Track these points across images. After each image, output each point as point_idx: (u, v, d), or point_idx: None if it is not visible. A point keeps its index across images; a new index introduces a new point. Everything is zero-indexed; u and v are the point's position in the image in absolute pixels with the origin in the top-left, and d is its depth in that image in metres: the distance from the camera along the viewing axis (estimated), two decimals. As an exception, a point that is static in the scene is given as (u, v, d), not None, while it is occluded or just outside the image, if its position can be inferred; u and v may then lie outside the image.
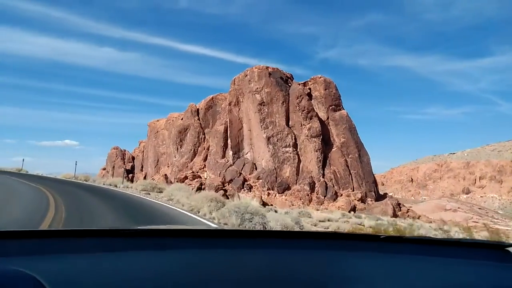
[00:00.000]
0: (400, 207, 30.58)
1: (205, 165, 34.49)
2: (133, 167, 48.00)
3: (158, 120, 44.81)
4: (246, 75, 32.07)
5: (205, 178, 31.58)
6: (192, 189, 28.72)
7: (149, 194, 17.65)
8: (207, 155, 35.01)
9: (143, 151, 45.69)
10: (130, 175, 45.41)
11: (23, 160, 36.56)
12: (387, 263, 1.19)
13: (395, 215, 27.51)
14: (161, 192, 18.30)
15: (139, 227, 1.39)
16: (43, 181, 18.62)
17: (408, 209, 31.17)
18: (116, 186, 21.09)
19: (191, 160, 35.99)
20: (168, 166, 38.54)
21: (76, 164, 32.34)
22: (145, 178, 41.36)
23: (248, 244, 1.33)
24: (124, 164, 47.93)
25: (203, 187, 28.00)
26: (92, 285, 0.82)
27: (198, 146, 36.51)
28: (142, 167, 44.57)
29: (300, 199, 28.35)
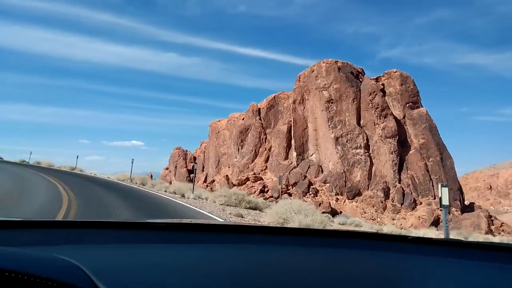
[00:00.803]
0: (493, 220, 25.97)
1: (266, 167, 32.56)
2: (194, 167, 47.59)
3: (219, 121, 43.93)
4: (313, 71, 29.56)
5: (268, 180, 29.61)
6: (255, 191, 26.91)
7: (243, 217, 10.11)
8: (268, 156, 33.07)
9: (204, 151, 45.13)
10: (192, 175, 45.05)
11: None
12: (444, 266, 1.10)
13: (489, 231, 23.20)
14: (258, 210, 12.97)
15: (168, 221, 1.42)
16: (84, 184, 14.77)
17: (502, 223, 26.38)
18: (183, 195, 14.97)
19: (252, 161, 34.29)
20: (228, 167, 37.28)
21: (132, 163, 27.06)
22: (206, 178, 40.61)
23: (270, 240, 1.33)
24: (186, 164, 47.81)
25: (266, 189, 26.03)
26: (131, 272, 0.84)
27: (259, 147, 34.73)
28: (203, 167, 43.98)
29: (373, 207, 25.15)
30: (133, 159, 23.99)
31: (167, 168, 51.49)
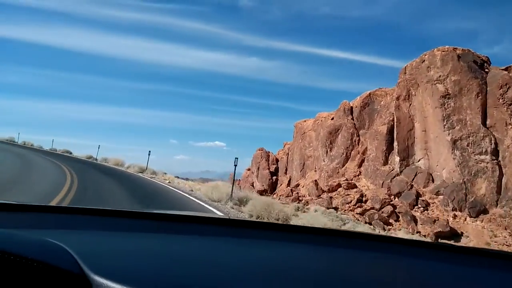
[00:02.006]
0: None
1: (360, 172, 28.28)
2: (276, 170, 44.95)
3: (305, 121, 40.57)
4: (423, 61, 24.61)
5: (363, 188, 25.40)
6: (351, 201, 23.08)
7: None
8: (362, 160, 28.75)
9: (288, 153, 42.19)
10: (274, 178, 42.32)
11: (149, 153, 25.98)
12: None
13: None
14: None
15: (162, 212, 1.46)
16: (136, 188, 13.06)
17: None
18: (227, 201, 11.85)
19: (343, 166, 30.25)
20: (315, 171, 33.72)
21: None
22: (289, 182, 37.61)
23: (271, 236, 1.32)
24: (269, 166, 45.30)
25: (364, 199, 22.00)
26: (118, 258, 0.85)
27: (351, 150, 30.55)
28: (286, 170, 41.06)
29: (506, 229, 19.50)
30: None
31: (249, 169, 49.77)
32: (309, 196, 26.75)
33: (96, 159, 30.47)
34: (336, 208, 19.84)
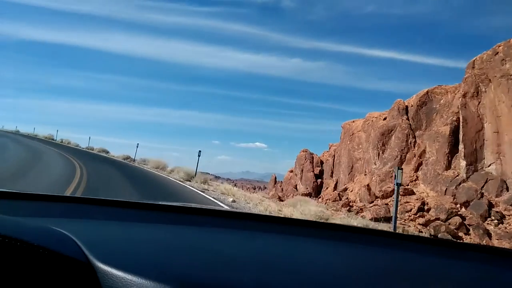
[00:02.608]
0: None
1: (417, 177, 25.59)
2: (321, 172, 42.76)
3: (353, 121, 38.11)
4: (497, 53, 21.59)
5: (422, 195, 22.79)
6: (411, 209, 20.66)
7: None
8: (419, 164, 26.03)
9: (334, 155, 39.92)
10: (319, 181, 40.21)
11: (199, 155, 23.68)
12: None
13: None
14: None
15: (166, 203, 1.45)
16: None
17: None
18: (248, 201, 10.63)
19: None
20: (365, 174, 31.30)
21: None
22: (336, 185, 35.41)
23: (271, 229, 1.32)
24: (313, 168, 43.21)
25: (426, 208, 19.54)
26: (123, 247, 0.86)
27: (407, 152, 27.86)
28: (332, 172, 38.84)
29: None
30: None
31: (291, 171, 47.95)
32: (360, 201, 24.52)
33: (134, 160, 26.24)
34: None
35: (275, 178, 55.86)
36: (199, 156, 17.88)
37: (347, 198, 25.38)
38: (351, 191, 30.61)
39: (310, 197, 36.69)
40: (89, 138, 36.34)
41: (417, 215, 18.07)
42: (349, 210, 21.33)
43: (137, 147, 26.91)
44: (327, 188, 37.11)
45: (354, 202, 25.01)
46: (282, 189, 47.83)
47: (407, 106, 29.98)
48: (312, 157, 44.54)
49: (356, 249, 1.14)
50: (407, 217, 17.90)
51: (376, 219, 16.63)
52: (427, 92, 29.26)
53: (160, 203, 1.44)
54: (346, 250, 1.13)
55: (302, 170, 43.26)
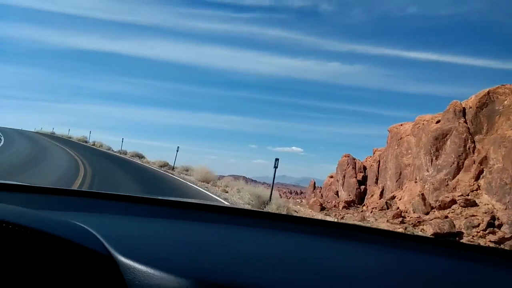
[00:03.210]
0: None
1: (479, 186, 22.81)
2: (364, 178, 40.32)
3: (401, 125, 35.49)
4: None
5: (486, 206, 20.11)
6: (478, 224, 18.15)
7: None
8: (480, 172, 23.24)
9: (379, 160, 37.43)
10: (362, 187, 37.85)
11: (276, 164, 25.68)
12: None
13: None
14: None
15: (183, 200, 1.50)
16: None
17: None
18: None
19: (453, 177, 24.95)
20: (416, 182, 28.72)
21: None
22: (382, 193, 32.97)
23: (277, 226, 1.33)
24: (356, 174, 40.88)
25: (497, 223, 17.02)
26: (142, 242, 0.87)
27: (465, 159, 25.09)
28: (376, 179, 36.38)
29: None
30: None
31: (331, 176, 45.84)
32: (413, 212, 22.18)
33: (173, 168, 20.71)
34: (459, 233, 15.39)
35: (314, 183, 53.83)
36: (276, 167, 11.85)
37: (397, 207, 23.12)
38: (400, 200, 28.15)
39: (353, 204, 34.47)
40: (122, 140, 30.21)
41: (487, 231, 15.70)
42: (402, 222, 19.17)
43: (177, 151, 21.05)
44: (372, 195, 34.72)
45: (406, 212, 22.69)
46: (321, 195, 45.84)
47: (464, 108, 27.16)
48: (355, 163, 42.22)
49: (370, 249, 1.13)
50: (475, 233, 15.58)
51: (438, 234, 14.52)
52: (488, 92, 26.29)
53: (177, 199, 1.46)
54: (363, 250, 1.11)
55: (344, 176, 41.06)
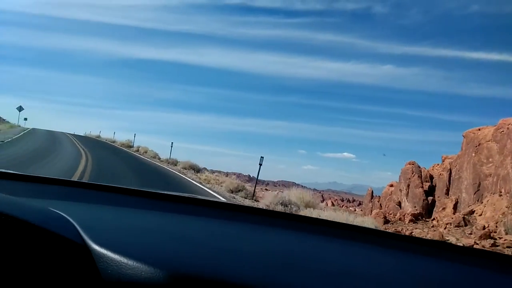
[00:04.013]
0: None
1: None
2: (431, 188, 36.11)
3: (479, 129, 31.10)
4: None
5: None
6: None
7: None
8: None
9: (450, 169, 33.24)
10: (430, 198, 33.84)
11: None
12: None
13: None
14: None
15: (167, 192, 1.45)
16: None
17: None
18: None
19: (552, 192, 20.81)
20: (500, 195, 24.62)
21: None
22: (456, 206, 28.96)
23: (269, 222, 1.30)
24: (422, 183, 36.81)
25: None
26: (119, 232, 0.87)
27: None
28: (447, 190, 32.26)
29: None
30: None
31: (391, 185, 41.93)
32: (506, 233, 18.52)
33: (253, 196, 12.74)
34: None
35: (372, 192, 49.93)
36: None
37: (483, 226, 19.55)
38: (481, 215, 24.19)
39: (421, 218, 30.65)
40: (172, 145, 23.07)
41: None
42: (494, 245, 15.82)
43: (260, 164, 13.14)
44: (443, 208, 30.73)
45: (495, 232, 19.05)
46: (380, 205, 42.11)
47: None
48: (420, 171, 38.15)
49: (362, 249, 1.12)
50: None
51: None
52: None
53: (163, 192, 1.44)
54: (352, 249, 1.10)
55: (408, 186, 37.18)
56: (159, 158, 24.15)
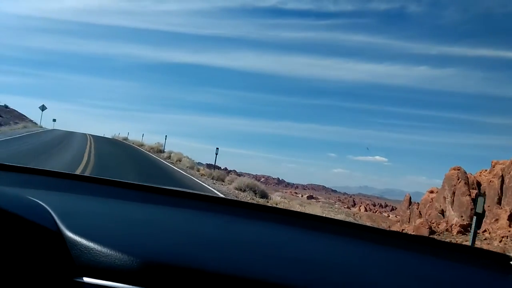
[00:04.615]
0: None
1: None
2: (478, 196, 32.71)
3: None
4: None
5: None
6: None
7: None
8: None
9: (502, 175, 30.19)
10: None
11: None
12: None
13: None
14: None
15: (148, 184, 1.43)
16: None
17: None
18: None
19: None
20: None
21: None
22: (511, 217, 26.05)
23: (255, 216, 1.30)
24: (469, 191, 33.79)
25: None
26: (97, 221, 0.88)
27: None
28: (499, 199, 29.23)
29: None
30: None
31: (432, 191, 38.98)
32: None
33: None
34: None
35: (410, 198, 46.86)
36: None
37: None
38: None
39: (469, 229, 27.93)
40: (217, 151, 17.69)
41: None
42: None
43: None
44: (495, 219, 27.83)
45: None
46: (420, 212, 39.21)
47: None
48: (467, 177, 35.07)
49: (331, 240, 1.14)
50: None
51: None
52: None
53: (143, 184, 1.42)
54: (321, 240, 1.12)
55: (453, 193, 34.24)
56: (198, 170, 17.47)
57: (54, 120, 36.43)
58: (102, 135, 37.52)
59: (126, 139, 35.20)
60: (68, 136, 24.73)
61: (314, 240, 1.09)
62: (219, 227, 1.05)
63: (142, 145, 28.58)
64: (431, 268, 0.95)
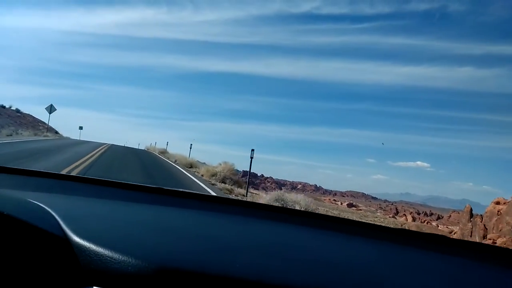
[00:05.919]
0: None
1: None
2: None
3: None
4: None
5: None
6: None
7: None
8: None
9: None
10: None
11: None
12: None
13: None
14: None
15: (151, 185, 1.39)
16: None
17: None
18: None
19: None
20: None
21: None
22: None
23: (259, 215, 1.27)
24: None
25: None
26: (102, 224, 0.84)
27: None
28: None
29: None
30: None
31: (497, 202, 32.61)
32: None
33: None
34: None
35: (471, 210, 40.04)
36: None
37: None
38: None
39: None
40: (252, 151, 11.81)
41: None
42: None
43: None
44: None
45: None
46: (484, 226, 32.98)
47: None
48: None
49: (351, 242, 1.10)
50: None
51: None
52: None
53: (148, 185, 1.39)
54: (339, 240, 1.08)
55: (534, 205, 27.91)
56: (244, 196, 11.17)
57: (81, 128, 33.86)
58: (123, 145, 29.88)
59: (164, 151, 25.55)
60: (67, 147, 17.18)
61: (332, 241, 1.05)
62: (234, 229, 1.00)
63: (167, 155, 22.59)
64: (448, 267, 0.92)
